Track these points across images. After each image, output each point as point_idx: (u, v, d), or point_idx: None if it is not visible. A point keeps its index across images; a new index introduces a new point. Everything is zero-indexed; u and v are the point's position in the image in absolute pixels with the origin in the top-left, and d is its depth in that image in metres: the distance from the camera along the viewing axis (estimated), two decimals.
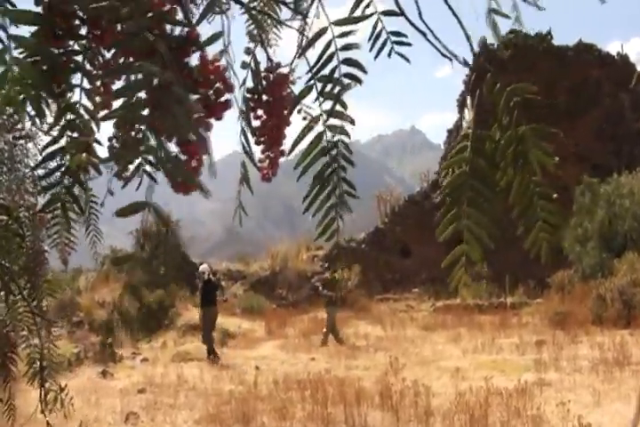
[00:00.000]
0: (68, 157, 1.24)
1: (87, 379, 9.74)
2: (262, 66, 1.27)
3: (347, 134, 1.28)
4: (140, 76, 0.84)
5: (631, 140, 20.91)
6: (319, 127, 1.26)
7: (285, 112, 1.24)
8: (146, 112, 0.81)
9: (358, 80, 1.25)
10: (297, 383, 8.48)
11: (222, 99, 0.98)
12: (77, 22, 1.00)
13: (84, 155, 1.20)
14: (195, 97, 0.93)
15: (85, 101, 1.17)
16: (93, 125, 1.16)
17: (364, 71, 1.24)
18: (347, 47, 1.23)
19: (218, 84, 0.97)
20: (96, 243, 2.32)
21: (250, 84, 1.24)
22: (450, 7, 1.25)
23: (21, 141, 2.58)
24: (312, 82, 1.25)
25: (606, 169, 17.80)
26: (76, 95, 1.17)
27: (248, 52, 1.24)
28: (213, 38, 1.07)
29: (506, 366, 9.70)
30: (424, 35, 1.30)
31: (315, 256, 22.73)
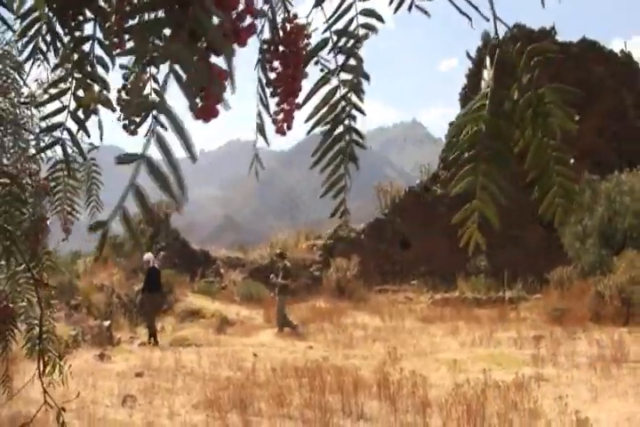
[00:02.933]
0: (71, 99, 1.23)
1: (84, 361, 9.74)
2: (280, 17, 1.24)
3: (358, 91, 1.23)
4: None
5: (633, 137, 20.84)
6: (334, 81, 1.22)
7: (302, 64, 1.21)
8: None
9: (374, 29, 1.21)
10: (295, 371, 8.49)
11: (246, 24, 0.90)
12: None
13: (95, 92, 1.18)
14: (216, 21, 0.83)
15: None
16: (109, 62, 1.16)
17: (382, 21, 1.21)
18: None
19: (241, 7, 0.89)
20: (95, 213, 2.29)
21: (267, 34, 1.21)
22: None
23: (25, 106, 2.56)
24: (328, 34, 1.22)
25: (607, 166, 17.75)
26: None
27: (266, 0, 1.20)
28: None
29: (503, 359, 9.71)
30: None
31: (313, 245, 22.70)
